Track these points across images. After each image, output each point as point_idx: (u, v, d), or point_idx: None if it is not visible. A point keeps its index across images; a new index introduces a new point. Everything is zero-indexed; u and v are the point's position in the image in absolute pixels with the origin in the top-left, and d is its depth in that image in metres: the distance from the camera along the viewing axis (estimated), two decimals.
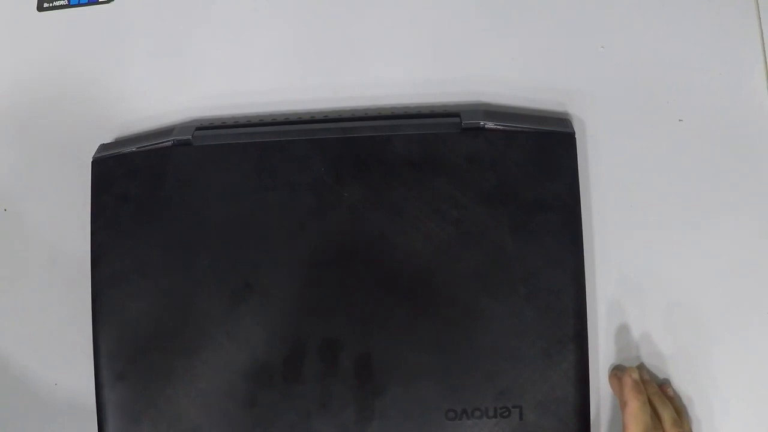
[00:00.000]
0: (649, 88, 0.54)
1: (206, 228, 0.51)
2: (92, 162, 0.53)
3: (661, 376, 0.51)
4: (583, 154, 0.52)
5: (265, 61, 0.57)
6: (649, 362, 0.51)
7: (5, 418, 0.55)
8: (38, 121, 0.58)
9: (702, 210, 0.52)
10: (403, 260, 0.49)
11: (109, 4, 0.59)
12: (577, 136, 0.51)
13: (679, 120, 0.53)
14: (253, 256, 0.50)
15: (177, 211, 0.51)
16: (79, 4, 0.59)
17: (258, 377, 0.49)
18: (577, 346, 0.48)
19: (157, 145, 0.53)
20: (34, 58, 0.59)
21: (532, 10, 0.55)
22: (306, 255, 0.50)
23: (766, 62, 0.54)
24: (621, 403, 0.48)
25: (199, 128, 0.53)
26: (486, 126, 0.51)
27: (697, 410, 0.50)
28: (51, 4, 0.59)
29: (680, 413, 0.49)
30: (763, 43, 0.54)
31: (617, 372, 0.50)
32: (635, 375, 0.48)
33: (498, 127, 0.51)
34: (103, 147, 0.55)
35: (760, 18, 0.54)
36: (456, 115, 0.52)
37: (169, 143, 0.52)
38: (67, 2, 0.59)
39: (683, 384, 0.51)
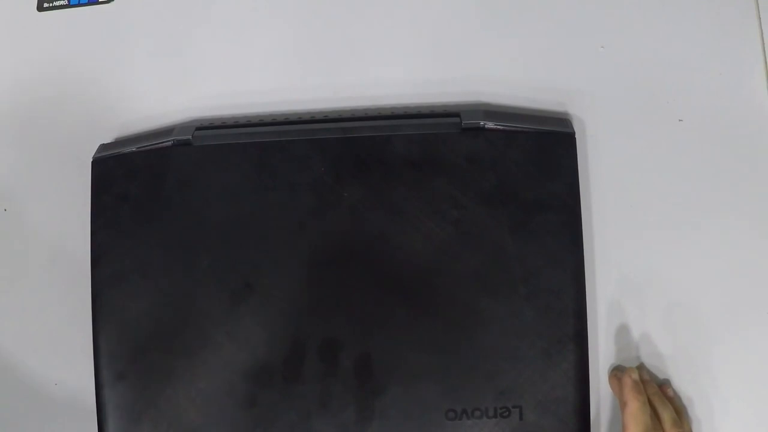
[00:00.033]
0: (649, 88, 0.54)
1: (206, 228, 0.51)
2: (92, 162, 0.53)
3: (661, 376, 0.51)
4: (583, 154, 0.52)
5: (265, 61, 0.57)
6: (649, 362, 0.51)
7: (5, 418, 0.55)
8: (38, 121, 0.58)
9: (702, 210, 0.52)
10: (403, 260, 0.49)
11: (109, 4, 0.59)
12: (577, 136, 0.51)
13: (679, 120, 0.53)
14: (253, 256, 0.50)
15: (177, 211, 0.51)
16: (79, 4, 0.59)
17: (258, 377, 0.49)
18: (577, 346, 0.48)
19: (157, 145, 0.53)
20: (34, 58, 0.59)
21: (532, 10, 0.55)
22: (306, 255, 0.50)
23: (766, 62, 0.54)
24: (621, 404, 0.48)
25: (199, 128, 0.53)
26: (486, 126, 0.51)
27: (697, 410, 0.50)
28: (51, 4, 0.59)
29: (680, 413, 0.49)
30: (763, 43, 0.54)
31: (617, 372, 0.50)
32: (635, 375, 0.48)
33: (498, 127, 0.51)
34: (103, 147, 0.55)
35: (760, 18, 0.54)
36: (456, 115, 0.52)
37: (169, 143, 0.52)
38: (67, 2, 0.59)
39: (683, 384, 0.51)
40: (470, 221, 0.49)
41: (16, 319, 0.56)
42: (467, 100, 0.55)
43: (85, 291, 0.51)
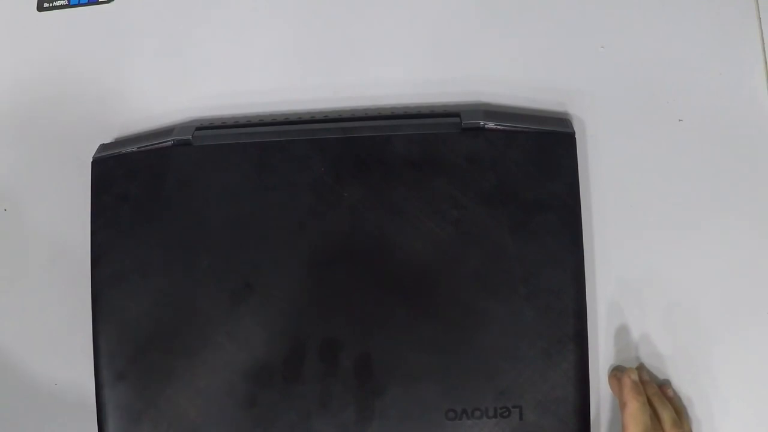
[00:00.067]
0: (649, 88, 0.54)
1: (206, 228, 0.51)
2: (92, 162, 0.53)
3: (661, 376, 0.51)
4: (583, 154, 0.52)
5: (265, 61, 0.57)
6: (649, 362, 0.51)
7: (5, 418, 0.55)
8: (38, 121, 0.58)
9: (702, 210, 0.52)
10: (403, 260, 0.49)
11: (109, 4, 0.59)
12: (577, 136, 0.51)
13: (679, 120, 0.53)
14: (253, 256, 0.50)
15: (177, 211, 0.51)
16: (79, 4, 0.59)
17: (258, 377, 0.49)
18: (577, 346, 0.48)
19: (157, 145, 0.53)
20: (34, 58, 0.59)
21: (532, 10, 0.55)
22: (306, 255, 0.50)
23: (766, 62, 0.54)
24: (620, 404, 0.48)
25: (199, 128, 0.53)
26: (486, 126, 0.51)
27: (697, 410, 0.50)
28: (51, 4, 0.59)
29: (680, 414, 0.49)
30: (763, 43, 0.54)
31: (617, 373, 0.50)
32: (634, 376, 0.48)
33: (498, 127, 0.51)
34: (103, 147, 0.55)
35: (760, 18, 0.54)
36: (456, 115, 0.52)
37: (169, 143, 0.52)
38: (67, 2, 0.59)
39: (683, 384, 0.51)
40: (470, 221, 0.49)
41: (16, 319, 0.56)
42: (467, 100, 0.55)
43: (85, 291, 0.51)
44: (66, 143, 0.57)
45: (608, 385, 0.51)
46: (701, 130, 0.53)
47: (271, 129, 0.53)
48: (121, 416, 0.50)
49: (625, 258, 0.52)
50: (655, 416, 0.47)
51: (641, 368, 0.51)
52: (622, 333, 0.51)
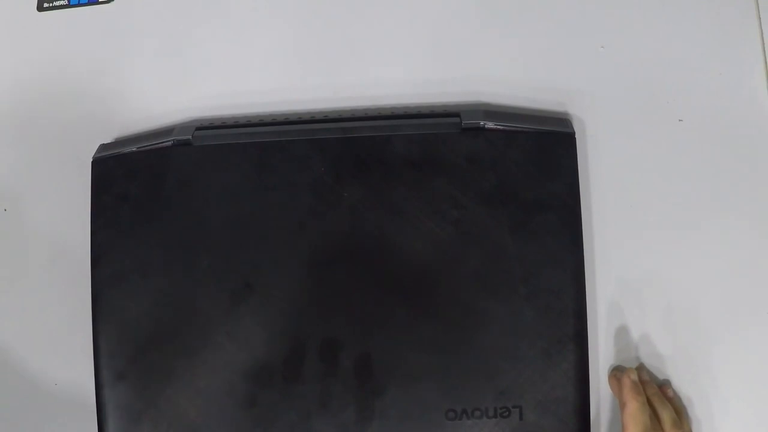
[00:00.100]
0: (649, 88, 0.54)
1: (206, 228, 0.51)
2: (92, 162, 0.53)
3: (660, 376, 0.51)
4: (583, 154, 0.52)
5: (265, 61, 0.57)
6: (649, 362, 0.51)
7: (5, 418, 0.55)
8: (38, 121, 0.58)
9: (702, 210, 0.52)
10: (403, 260, 0.49)
11: (109, 4, 0.59)
12: (577, 136, 0.51)
13: (679, 120, 0.53)
14: (253, 256, 0.50)
15: (177, 211, 0.51)
16: (79, 4, 0.59)
17: (258, 377, 0.49)
18: (577, 346, 0.48)
19: (157, 145, 0.53)
20: (34, 58, 0.59)
21: (532, 10, 0.55)
22: (306, 255, 0.50)
23: (766, 62, 0.54)
24: (620, 404, 0.48)
25: (199, 128, 0.53)
26: (486, 126, 0.51)
27: (697, 410, 0.50)
28: (51, 4, 0.59)
29: (680, 414, 0.49)
30: (763, 43, 0.54)
31: (617, 373, 0.50)
32: (634, 376, 0.48)
33: (498, 127, 0.51)
34: (103, 147, 0.55)
35: (760, 18, 0.54)
36: (456, 115, 0.52)
37: (169, 143, 0.52)
38: (67, 2, 0.59)
39: (683, 384, 0.51)
40: (470, 221, 0.49)
41: (16, 319, 0.56)
42: (467, 100, 0.55)
43: (85, 291, 0.51)
44: (66, 143, 0.57)
45: (608, 385, 0.51)
46: (701, 130, 0.53)
47: (271, 129, 0.53)
48: (121, 416, 0.50)
49: (625, 258, 0.52)
50: (654, 416, 0.47)
51: (641, 368, 0.51)
52: (622, 333, 0.51)
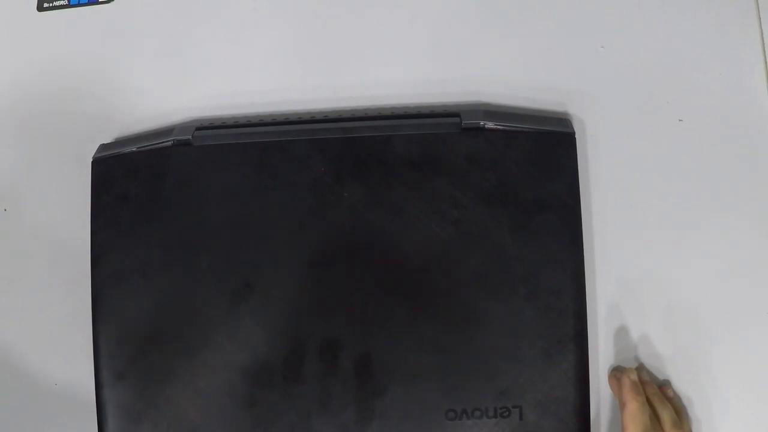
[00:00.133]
0: (649, 88, 0.54)
1: (206, 228, 0.51)
2: (92, 162, 0.53)
3: (660, 376, 0.51)
4: (583, 154, 0.52)
5: (265, 61, 0.57)
6: (649, 363, 0.51)
7: (5, 418, 0.55)
8: (38, 121, 0.58)
9: (702, 210, 0.52)
10: (403, 260, 0.49)
11: (109, 4, 0.59)
12: (577, 136, 0.51)
13: (679, 120, 0.53)
14: (253, 256, 0.50)
15: (177, 211, 0.51)
16: (79, 4, 0.59)
17: (258, 377, 0.49)
18: (577, 346, 0.48)
19: (157, 145, 0.53)
20: (34, 58, 0.59)
21: (532, 10, 0.55)
22: (306, 255, 0.50)
23: (766, 62, 0.54)
24: (620, 404, 0.48)
25: (199, 128, 0.53)
26: (486, 126, 0.51)
27: (697, 410, 0.50)
28: (51, 4, 0.59)
29: (680, 414, 0.49)
30: (763, 43, 0.54)
31: (616, 373, 0.50)
32: (633, 376, 0.48)
33: (498, 127, 0.51)
34: (103, 147, 0.55)
35: (760, 18, 0.54)
36: (456, 115, 0.52)
37: (169, 143, 0.52)
38: (67, 2, 0.59)
39: (683, 384, 0.51)
40: (470, 221, 0.49)
41: (16, 319, 0.56)
42: (467, 100, 0.55)
43: (85, 291, 0.51)
44: (66, 143, 0.57)
45: (608, 385, 0.51)
46: (701, 130, 0.53)
47: (271, 129, 0.53)
48: (121, 416, 0.50)
49: (625, 258, 0.52)
50: (654, 416, 0.47)
51: (641, 368, 0.51)
52: (622, 333, 0.51)
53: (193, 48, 0.58)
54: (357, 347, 0.49)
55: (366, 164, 0.51)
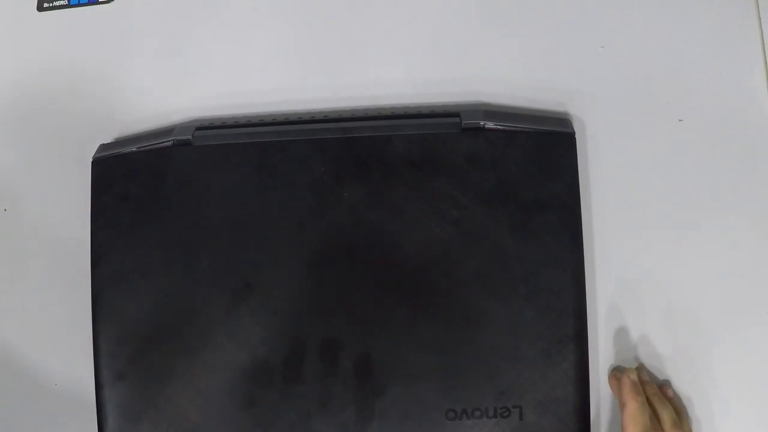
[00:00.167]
0: (649, 88, 0.54)
1: (206, 228, 0.51)
2: (92, 162, 0.53)
3: (660, 376, 0.51)
4: (583, 154, 0.52)
5: (265, 61, 0.57)
6: (649, 363, 0.51)
7: (5, 418, 0.55)
8: (38, 121, 0.58)
9: (702, 210, 0.52)
10: (403, 260, 0.49)
11: (109, 4, 0.59)
12: (577, 136, 0.51)
13: (679, 120, 0.53)
14: (253, 256, 0.50)
15: (177, 211, 0.51)
16: (79, 4, 0.59)
17: (258, 377, 0.49)
18: (577, 346, 0.48)
19: (157, 145, 0.53)
20: (34, 58, 0.59)
21: (532, 10, 0.55)
22: (306, 255, 0.50)
23: (766, 62, 0.54)
24: (620, 404, 0.48)
25: (199, 128, 0.53)
26: (486, 126, 0.51)
27: (697, 410, 0.50)
28: (51, 4, 0.59)
29: (680, 414, 0.49)
30: (763, 43, 0.54)
31: (616, 373, 0.50)
32: (633, 376, 0.48)
33: (498, 127, 0.51)
34: (103, 147, 0.55)
35: (760, 18, 0.54)
36: (456, 115, 0.52)
37: (169, 143, 0.52)
38: (67, 2, 0.59)
39: (683, 384, 0.51)
40: (470, 221, 0.49)
41: (16, 319, 0.56)
42: (467, 100, 0.55)
43: (85, 291, 0.51)
44: (66, 143, 0.57)
45: (608, 385, 0.51)
46: (701, 130, 0.53)
47: (271, 129, 0.53)
48: (121, 416, 0.50)
49: (625, 258, 0.52)
50: (654, 416, 0.47)
51: (641, 368, 0.51)
52: (622, 333, 0.51)
53: (193, 48, 0.58)
54: (357, 347, 0.49)
55: (366, 164, 0.51)
